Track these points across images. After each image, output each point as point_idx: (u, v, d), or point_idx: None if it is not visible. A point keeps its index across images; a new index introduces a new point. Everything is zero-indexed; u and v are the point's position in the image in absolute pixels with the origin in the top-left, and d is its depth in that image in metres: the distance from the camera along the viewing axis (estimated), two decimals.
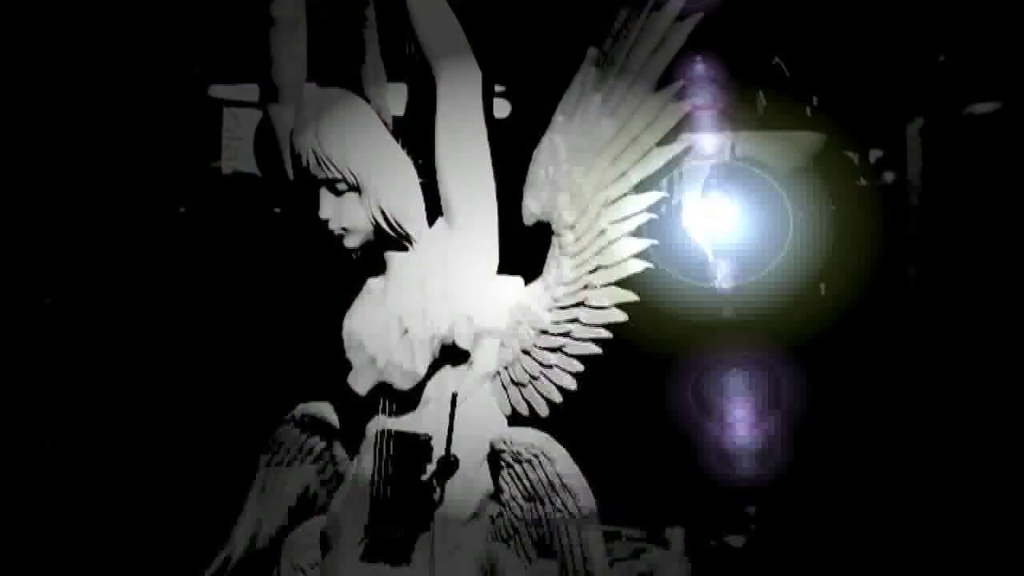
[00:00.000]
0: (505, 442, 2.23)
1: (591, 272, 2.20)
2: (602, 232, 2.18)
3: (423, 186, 2.27)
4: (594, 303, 2.21)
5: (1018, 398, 3.33)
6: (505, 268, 2.33)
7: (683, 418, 3.59)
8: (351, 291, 2.36)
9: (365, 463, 2.28)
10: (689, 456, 3.56)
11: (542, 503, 2.19)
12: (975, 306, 3.49)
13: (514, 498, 2.23)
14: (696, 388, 3.60)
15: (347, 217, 2.25)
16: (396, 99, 2.35)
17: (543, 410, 2.26)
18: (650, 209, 2.17)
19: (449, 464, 2.20)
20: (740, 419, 3.62)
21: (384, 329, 2.24)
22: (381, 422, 2.28)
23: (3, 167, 3.60)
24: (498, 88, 3.66)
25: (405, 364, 2.23)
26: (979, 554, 3.20)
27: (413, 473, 2.20)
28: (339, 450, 2.45)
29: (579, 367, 2.23)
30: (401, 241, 2.27)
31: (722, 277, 3.62)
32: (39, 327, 3.66)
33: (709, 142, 3.56)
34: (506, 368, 2.28)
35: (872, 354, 3.58)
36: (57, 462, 3.58)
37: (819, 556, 3.40)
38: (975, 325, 3.47)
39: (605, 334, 2.21)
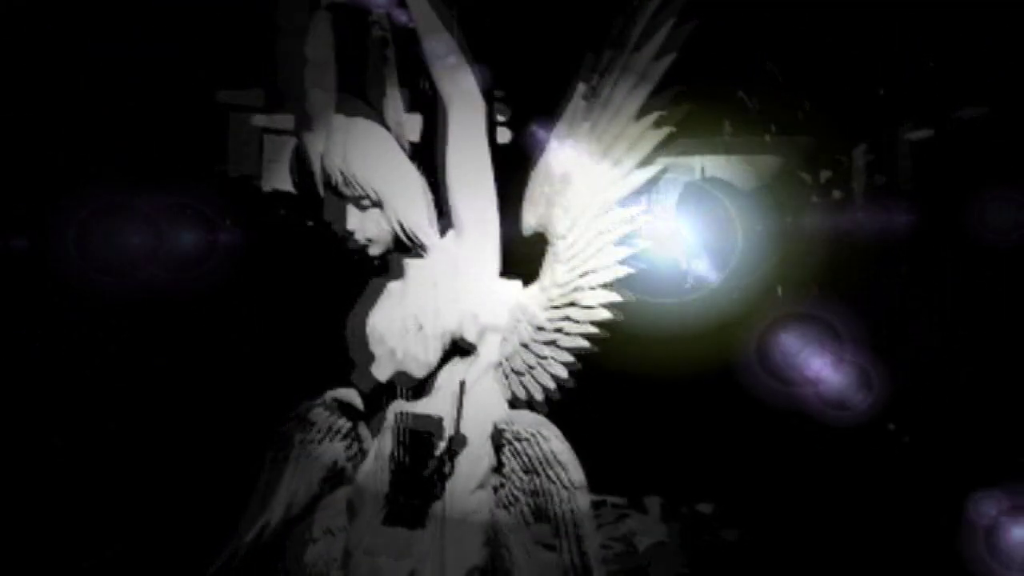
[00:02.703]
0: (506, 423, 2.47)
1: (581, 276, 2.44)
2: (591, 241, 2.43)
3: (435, 202, 2.52)
4: (584, 303, 2.44)
5: (1009, 397, 3.49)
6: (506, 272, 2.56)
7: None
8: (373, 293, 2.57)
9: (386, 441, 2.51)
10: (666, 434, 3.76)
11: (538, 475, 2.43)
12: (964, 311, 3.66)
13: (514, 471, 2.47)
14: None
15: (370, 229, 2.50)
16: (413, 127, 2.61)
17: (539, 396, 2.50)
18: (632, 221, 2.42)
19: (458, 442, 2.44)
20: None
21: (402, 325, 2.48)
22: (399, 406, 2.51)
23: (11, 169, 3.70)
24: (499, 107, 3.88)
25: (420, 356, 2.47)
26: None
27: (427, 450, 2.45)
28: (363, 430, 2.65)
29: (571, 359, 2.46)
30: (416, 250, 2.52)
31: (697, 283, 3.82)
32: (56, 323, 3.77)
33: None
34: (507, 359, 2.51)
35: (863, 353, 3.75)
36: (76, 456, 3.72)
37: (784, 528, 3.62)
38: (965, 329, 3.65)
39: (594, 330, 2.45)
